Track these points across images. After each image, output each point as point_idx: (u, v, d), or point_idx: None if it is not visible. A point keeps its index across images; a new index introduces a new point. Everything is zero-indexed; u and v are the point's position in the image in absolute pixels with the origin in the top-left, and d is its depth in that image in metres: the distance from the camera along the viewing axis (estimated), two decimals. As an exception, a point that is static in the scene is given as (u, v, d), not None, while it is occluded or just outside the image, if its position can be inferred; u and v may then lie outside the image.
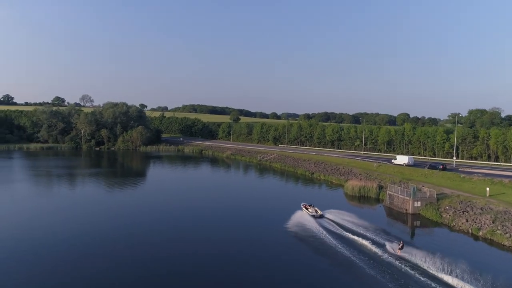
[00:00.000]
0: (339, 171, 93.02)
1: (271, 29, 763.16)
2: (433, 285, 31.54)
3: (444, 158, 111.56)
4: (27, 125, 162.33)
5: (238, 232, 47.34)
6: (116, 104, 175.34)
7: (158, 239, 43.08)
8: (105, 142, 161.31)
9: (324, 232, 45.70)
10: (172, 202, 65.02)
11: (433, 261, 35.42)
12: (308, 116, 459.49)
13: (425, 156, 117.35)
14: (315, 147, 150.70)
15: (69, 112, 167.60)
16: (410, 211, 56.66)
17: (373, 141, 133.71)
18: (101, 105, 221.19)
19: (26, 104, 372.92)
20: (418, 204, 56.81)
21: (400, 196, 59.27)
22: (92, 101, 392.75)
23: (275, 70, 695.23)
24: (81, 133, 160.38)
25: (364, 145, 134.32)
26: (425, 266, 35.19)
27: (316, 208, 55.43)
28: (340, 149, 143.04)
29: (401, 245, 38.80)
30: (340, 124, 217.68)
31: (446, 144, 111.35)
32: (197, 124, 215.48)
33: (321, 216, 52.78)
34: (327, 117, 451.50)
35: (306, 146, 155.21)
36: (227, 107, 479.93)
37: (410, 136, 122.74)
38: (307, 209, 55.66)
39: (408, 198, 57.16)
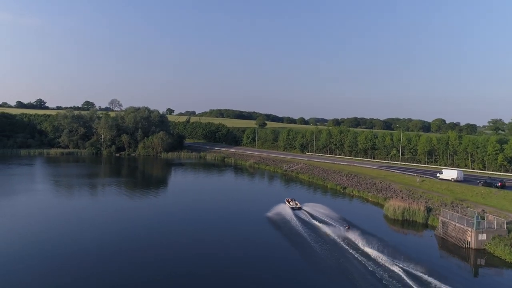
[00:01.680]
0: (375, 187, 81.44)
1: (300, 34, 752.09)
2: None
3: (496, 172, 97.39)
4: (49, 130, 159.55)
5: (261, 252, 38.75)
6: (138, 109, 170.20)
7: (184, 256, 42.07)
8: (126, 148, 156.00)
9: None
10: (190, 215, 60.15)
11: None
12: (337, 122, 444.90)
13: (473, 169, 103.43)
14: (345, 156, 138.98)
15: (90, 117, 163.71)
16: (473, 245, 44.96)
17: (411, 150, 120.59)
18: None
19: (58, 108, 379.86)
20: (483, 237, 45.03)
21: (458, 224, 47.64)
22: (120, 105, 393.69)
23: (304, 74, 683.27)
24: (101, 138, 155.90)
25: (402, 155, 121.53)
26: None
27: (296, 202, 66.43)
28: (374, 158, 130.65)
29: (347, 227, 51.52)
30: (372, 130, 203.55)
31: (500, 156, 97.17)
32: (221, 130, 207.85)
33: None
34: (357, 122, 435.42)
35: (335, 154, 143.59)
36: (254, 112, 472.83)
37: (455, 145, 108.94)
38: (289, 202, 66.33)
39: (470, 229, 45.50)
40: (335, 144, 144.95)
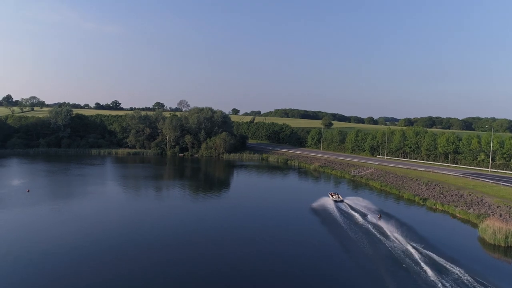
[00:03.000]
0: (463, 200, 68.96)
1: (369, 31, 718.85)
2: None
3: None
4: (118, 131, 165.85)
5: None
6: (201, 109, 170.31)
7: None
8: (189, 148, 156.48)
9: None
10: (252, 224, 56.60)
11: None
12: (409, 121, 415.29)
13: None
14: (422, 160, 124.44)
15: (156, 118, 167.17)
16: None
17: (504, 155, 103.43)
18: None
19: (131, 109, 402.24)
20: None
21: None
22: (188, 106, 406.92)
23: (373, 72, 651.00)
24: (166, 139, 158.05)
25: (492, 160, 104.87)
26: None
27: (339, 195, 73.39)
28: (456, 164, 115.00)
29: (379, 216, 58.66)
30: (454, 131, 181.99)
31: None
32: (285, 130, 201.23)
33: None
34: (432, 122, 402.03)
35: (410, 158, 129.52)
36: (319, 111, 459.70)
37: None
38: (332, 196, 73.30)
39: None
40: (410, 147, 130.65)
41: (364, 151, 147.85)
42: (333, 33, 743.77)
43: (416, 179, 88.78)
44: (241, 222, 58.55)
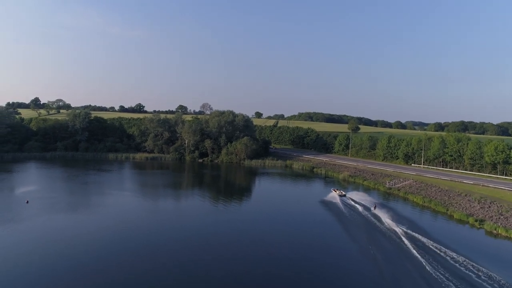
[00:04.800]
0: (531, 223, 57.21)
1: (402, 34, 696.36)
2: None
3: None
4: (136, 134, 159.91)
5: None
6: (222, 113, 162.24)
7: None
8: (209, 153, 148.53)
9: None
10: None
11: None
12: (440, 126, 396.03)
13: None
14: (465, 170, 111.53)
15: (175, 121, 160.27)
16: None
17: None
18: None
19: (154, 112, 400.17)
20: None
21: None
22: (211, 109, 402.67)
23: (400, 75, 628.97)
24: (185, 143, 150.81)
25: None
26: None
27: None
28: (506, 175, 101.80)
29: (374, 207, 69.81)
30: (487, 136, 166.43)
31: None
32: (310, 135, 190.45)
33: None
34: (465, 127, 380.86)
35: (451, 168, 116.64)
36: (344, 115, 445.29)
37: None
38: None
39: None
40: (451, 155, 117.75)
41: (397, 159, 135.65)
42: (358, 35, 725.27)
43: (466, 195, 76.93)
44: (266, 240, 52.13)
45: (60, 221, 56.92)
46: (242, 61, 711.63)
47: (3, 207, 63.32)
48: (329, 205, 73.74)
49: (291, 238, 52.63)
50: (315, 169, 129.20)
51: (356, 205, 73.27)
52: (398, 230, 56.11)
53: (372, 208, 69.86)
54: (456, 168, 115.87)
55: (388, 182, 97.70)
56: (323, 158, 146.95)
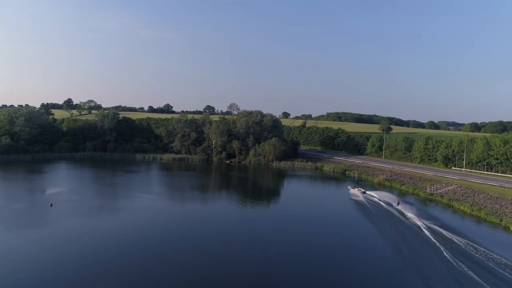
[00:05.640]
0: None
1: (430, 33, 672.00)
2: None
3: None
4: (163, 135, 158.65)
5: None
6: (250, 113, 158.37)
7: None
8: (236, 154, 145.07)
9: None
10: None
11: None
12: (476, 126, 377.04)
13: None
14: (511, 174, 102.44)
15: (203, 121, 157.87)
16: None
17: None
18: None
19: (182, 112, 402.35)
20: None
21: None
22: (238, 109, 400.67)
23: (433, 73, 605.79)
24: (212, 144, 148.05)
25: None
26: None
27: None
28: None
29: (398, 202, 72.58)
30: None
31: None
32: (341, 136, 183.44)
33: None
34: (503, 127, 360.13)
35: (496, 172, 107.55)
36: (374, 115, 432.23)
37: None
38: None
39: None
40: (497, 158, 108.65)
41: (435, 162, 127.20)
42: (389, 33, 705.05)
43: (520, 203, 69.17)
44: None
45: (79, 228, 53.71)
46: (270, 61, 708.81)
47: (27, 211, 61.93)
48: (358, 204, 75.53)
49: (324, 241, 52.46)
50: (347, 172, 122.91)
51: (381, 202, 76.36)
52: (455, 242, 51.79)
53: (395, 204, 73.02)
54: (503, 172, 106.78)
55: (429, 187, 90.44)
56: (356, 160, 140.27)
